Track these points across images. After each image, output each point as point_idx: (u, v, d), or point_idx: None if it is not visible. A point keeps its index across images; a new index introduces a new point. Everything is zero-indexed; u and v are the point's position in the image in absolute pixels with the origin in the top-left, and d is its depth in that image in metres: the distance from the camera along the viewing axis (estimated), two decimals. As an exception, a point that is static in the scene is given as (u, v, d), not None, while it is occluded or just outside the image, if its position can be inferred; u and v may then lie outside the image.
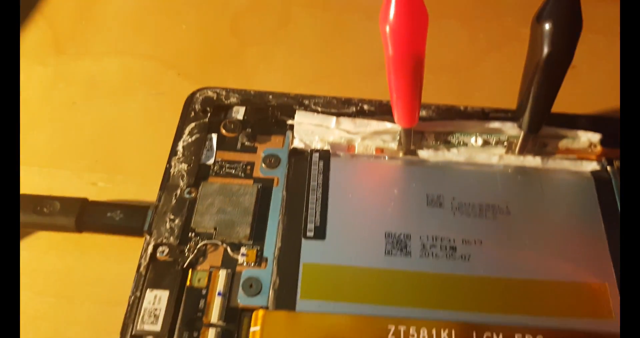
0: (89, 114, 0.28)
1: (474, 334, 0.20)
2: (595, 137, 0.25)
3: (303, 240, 0.22)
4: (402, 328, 0.20)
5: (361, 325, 0.20)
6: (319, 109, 0.26)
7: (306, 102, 0.26)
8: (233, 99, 0.26)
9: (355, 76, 0.30)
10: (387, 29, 0.20)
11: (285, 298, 0.21)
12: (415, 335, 0.20)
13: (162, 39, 0.31)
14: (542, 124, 0.23)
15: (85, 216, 0.23)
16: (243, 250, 0.22)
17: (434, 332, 0.20)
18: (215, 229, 0.22)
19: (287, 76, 0.29)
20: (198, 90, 0.26)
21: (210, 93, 0.26)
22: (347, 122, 0.25)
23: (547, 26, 0.21)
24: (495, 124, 0.25)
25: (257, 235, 0.23)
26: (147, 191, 0.25)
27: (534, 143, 0.25)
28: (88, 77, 0.30)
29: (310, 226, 0.22)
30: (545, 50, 0.21)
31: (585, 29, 0.30)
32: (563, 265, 0.22)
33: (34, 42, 0.31)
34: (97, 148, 0.27)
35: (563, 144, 0.25)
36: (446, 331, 0.20)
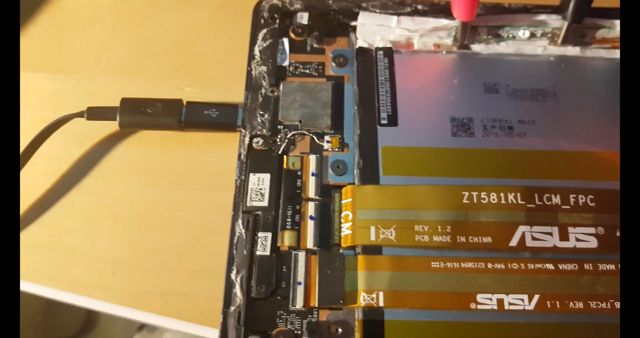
0: (163, 26, 0.30)
1: (536, 196, 0.23)
2: (618, 33, 0.27)
3: (378, 127, 0.25)
4: (474, 194, 0.23)
5: (439, 193, 0.23)
6: (377, 11, 0.28)
7: (364, 4, 0.28)
8: (297, 6, 0.28)
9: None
10: None
11: (369, 175, 0.24)
12: (487, 199, 0.23)
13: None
14: (585, 14, 0.25)
15: (186, 114, 0.25)
16: (327, 138, 0.25)
17: (502, 195, 0.23)
18: (300, 121, 0.25)
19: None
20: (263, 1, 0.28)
21: (275, 1, 0.28)
22: (407, 21, 0.27)
23: None
24: (542, 17, 0.27)
25: (337, 125, 0.25)
26: (231, 93, 0.27)
27: (575, 33, 0.27)
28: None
29: (384, 115, 0.25)
30: None
31: None
32: (607, 137, 0.25)
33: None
34: (177, 56, 0.29)
35: (600, 34, 0.27)
36: (512, 194, 0.23)
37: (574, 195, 0.23)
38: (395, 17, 0.27)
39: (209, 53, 0.29)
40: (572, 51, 0.27)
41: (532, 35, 0.27)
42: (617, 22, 0.27)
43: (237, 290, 0.21)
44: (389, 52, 0.26)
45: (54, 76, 0.28)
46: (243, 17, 0.28)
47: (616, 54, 0.27)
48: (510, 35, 0.27)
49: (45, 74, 0.29)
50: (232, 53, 0.28)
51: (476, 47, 0.27)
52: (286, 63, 0.27)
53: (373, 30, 0.27)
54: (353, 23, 0.27)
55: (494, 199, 0.23)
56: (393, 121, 0.25)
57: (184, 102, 0.25)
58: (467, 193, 0.23)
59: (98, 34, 0.30)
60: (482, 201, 0.23)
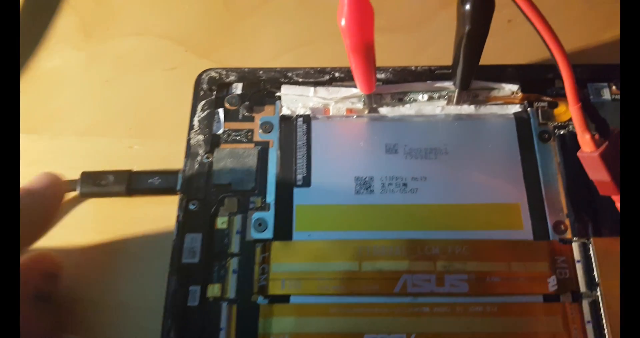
0: (119, 90, 0.34)
1: (418, 247, 0.27)
2: (515, 87, 0.30)
3: (294, 188, 0.29)
4: (367, 247, 0.27)
5: (338, 247, 0.27)
6: (300, 79, 0.31)
7: (289, 74, 0.31)
8: (232, 77, 0.32)
9: (331, 40, 0.34)
10: (342, 24, 0.25)
11: (284, 232, 0.28)
12: (377, 251, 0.27)
13: (170, 18, 0.35)
14: (470, 82, 0.28)
15: (132, 184, 0.29)
16: (252, 199, 0.29)
17: (390, 248, 0.27)
18: (230, 184, 0.29)
19: (274, 44, 0.34)
20: (204, 71, 0.32)
21: (213, 74, 0.32)
22: (322, 91, 0.31)
23: (467, 8, 0.25)
24: (437, 84, 0.30)
25: (261, 187, 0.29)
26: (174, 151, 0.31)
27: (468, 95, 0.30)
28: (115, 58, 0.35)
29: (299, 177, 0.29)
30: (467, 28, 0.25)
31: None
32: (487, 191, 0.28)
33: (66, 29, 0.36)
34: (129, 118, 0.33)
35: (491, 94, 0.30)
36: (399, 247, 0.27)
37: (451, 246, 0.27)
38: (312, 88, 0.31)
39: (158, 114, 0.33)
40: (468, 109, 0.30)
41: (430, 98, 0.30)
42: (504, 84, 0.30)
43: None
44: (307, 119, 0.30)
45: (28, 135, 0.33)
46: (187, 81, 0.32)
47: (508, 109, 0.30)
48: (412, 98, 0.30)
49: (22, 133, 0.33)
50: (176, 113, 0.32)
51: (383, 110, 0.30)
52: (221, 131, 0.31)
53: (295, 98, 0.31)
54: (278, 93, 0.31)
55: (383, 252, 0.27)
56: (307, 182, 0.29)
57: (131, 172, 0.30)
58: (361, 247, 0.27)
59: (67, 96, 0.34)
60: (373, 253, 0.27)
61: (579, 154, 0.25)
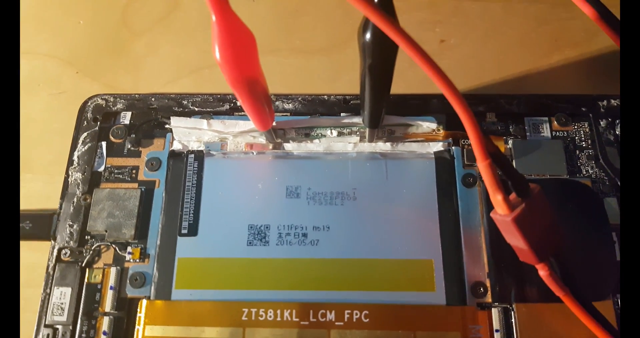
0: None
1: (311, 312, 0.23)
2: (433, 125, 0.25)
3: (178, 237, 0.24)
4: (253, 310, 0.23)
5: (220, 309, 0.23)
6: (196, 108, 0.27)
7: (185, 102, 0.27)
8: (120, 105, 0.27)
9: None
10: (217, 58, 0.20)
11: (163, 289, 0.24)
12: (264, 316, 0.23)
13: (61, 36, 0.31)
14: (380, 121, 0.24)
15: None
16: (129, 248, 0.25)
17: (278, 312, 0.23)
18: (106, 231, 0.25)
19: (173, 66, 0.30)
20: (89, 98, 0.27)
21: (100, 101, 0.27)
22: (217, 124, 0.26)
23: (367, 39, 0.20)
24: (346, 120, 0.26)
25: (141, 234, 0.25)
26: (52, 188, 0.27)
27: (382, 131, 0.26)
28: None
29: (185, 224, 0.25)
30: (368, 61, 0.21)
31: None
32: (397, 244, 0.24)
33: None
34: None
35: (409, 130, 0.26)
36: (288, 311, 0.23)
37: (349, 311, 0.23)
38: (205, 121, 0.26)
39: (39, 144, 0.28)
40: (384, 146, 0.26)
41: (340, 133, 0.26)
42: (420, 122, 0.25)
43: None
44: (199, 156, 0.26)
45: None
46: (76, 107, 0.27)
47: (430, 147, 0.26)
48: (320, 134, 0.26)
49: None
50: (59, 144, 0.27)
51: (289, 146, 0.26)
52: (102, 168, 0.26)
53: (188, 131, 0.26)
54: (168, 125, 0.27)
55: (270, 317, 0.23)
56: (193, 230, 0.25)
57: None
58: (246, 310, 0.23)
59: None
60: (260, 318, 0.23)
61: (492, 215, 0.21)
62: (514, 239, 0.21)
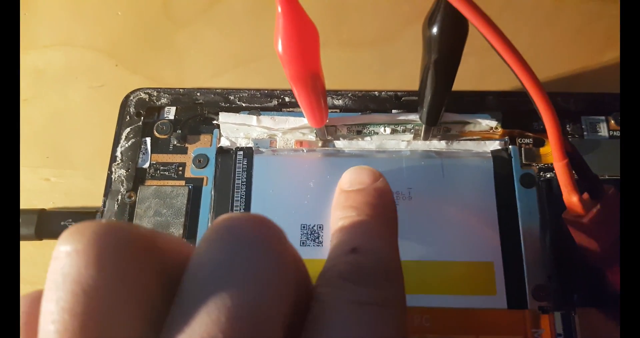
0: (39, 109, 0.28)
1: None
2: (493, 122, 0.24)
3: (229, 237, 0.23)
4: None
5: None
6: (243, 104, 0.26)
7: (231, 97, 0.26)
8: (164, 100, 0.26)
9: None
10: (279, 50, 0.19)
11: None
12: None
13: (99, 27, 0.29)
14: (440, 118, 0.23)
15: (43, 225, 0.24)
16: (178, 248, 0.23)
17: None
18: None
19: (218, 59, 0.28)
20: (132, 92, 0.26)
21: (142, 95, 0.26)
22: (267, 120, 0.25)
23: (434, 32, 0.19)
24: (401, 117, 0.24)
25: (190, 234, 0.24)
26: (94, 185, 0.25)
27: (438, 129, 0.24)
28: (35, 71, 0.29)
29: (235, 223, 0.23)
30: (433, 56, 0.20)
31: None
32: (456, 246, 0.23)
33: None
34: (48, 143, 0.27)
35: (466, 128, 0.24)
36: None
37: (409, 315, 0.21)
38: (254, 117, 0.25)
39: (79, 139, 0.27)
40: (438, 145, 0.25)
41: (394, 131, 0.25)
42: (481, 120, 0.24)
43: None
44: (248, 153, 0.24)
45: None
46: (116, 100, 0.26)
47: (486, 146, 0.24)
48: (373, 131, 0.25)
49: None
50: (101, 139, 0.26)
51: (340, 144, 0.25)
52: (147, 165, 0.25)
53: (236, 128, 0.25)
54: (216, 121, 0.25)
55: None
56: (244, 229, 0.23)
57: (40, 212, 0.24)
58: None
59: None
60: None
61: (564, 216, 0.19)
62: (587, 241, 0.19)
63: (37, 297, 0.12)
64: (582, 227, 0.19)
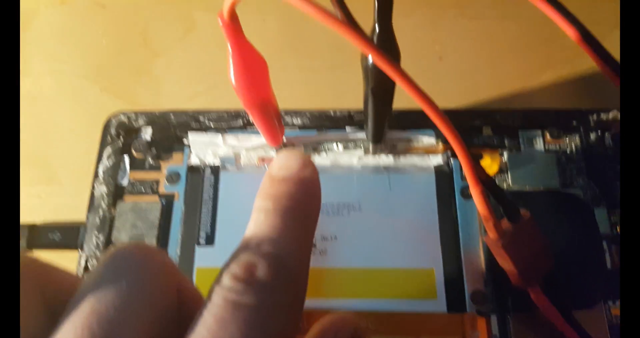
0: (31, 131, 0.29)
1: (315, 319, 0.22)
2: (433, 140, 0.24)
3: (196, 247, 0.24)
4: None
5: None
6: (212, 124, 0.26)
7: (201, 118, 0.26)
8: (141, 121, 0.26)
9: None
10: (232, 83, 0.19)
11: (183, 296, 0.23)
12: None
13: (87, 55, 0.30)
14: (383, 137, 0.23)
15: (33, 238, 0.25)
16: (151, 257, 0.24)
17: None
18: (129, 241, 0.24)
19: (191, 83, 0.29)
20: (113, 116, 0.27)
21: (122, 118, 0.26)
22: (232, 139, 0.25)
23: (369, 63, 0.19)
24: (351, 135, 0.24)
25: (162, 245, 0.24)
26: (79, 200, 0.26)
27: (385, 145, 0.24)
28: (29, 96, 0.30)
29: (202, 234, 0.24)
30: (370, 84, 0.20)
31: (457, 15, 0.28)
32: (400, 253, 0.23)
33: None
34: (39, 163, 0.28)
35: (410, 144, 0.25)
36: (299, 318, 0.22)
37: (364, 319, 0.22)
38: (220, 135, 0.25)
39: (67, 158, 0.28)
40: (386, 160, 0.25)
41: (346, 147, 0.25)
42: (421, 137, 0.24)
43: None
44: (215, 170, 0.25)
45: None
46: (101, 122, 0.27)
47: (430, 160, 0.25)
48: (327, 148, 0.25)
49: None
50: (86, 158, 0.27)
51: (298, 160, 0.25)
52: (125, 182, 0.26)
53: (204, 146, 0.25)
54: (186, 140, 0.26)
55: (282, 324, 0.22)
56: (210, 240, 0.24)
57: (30, 226, 0.25)
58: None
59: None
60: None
61: (485, 239, 0.20)
62: (507, 264, 0.20)
63: None
64: (500, 250, 0.19)
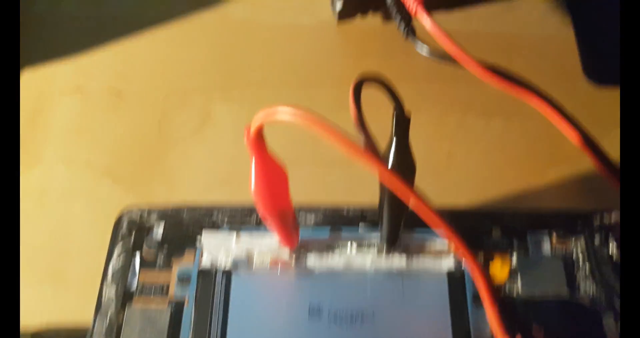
0: (39, 225, 0.28)
1: None
2: (444, 243, 0.24)
3: (207, 356, 0.23)
4: None
5: None
6: (226, 220, 0.26)
7: (215, 213, 0.26)
8: (153, 218, 0.26)
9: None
10: (252, 193, 0.19)
11: None
12: None
13: (100, 144, 0.30)
14: (397, 239, 0.23)
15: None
16: (161, 369, 0.23)
17: None
18: (137, 351, 0.23)
19: (206, 176, 0.29)
20: (124, 213, 0.26)
21: (134, 215, 0.26)
22: (245, 237, 0.25)
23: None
24: (366, 236, 0.24)
25: (171, 353, 0.23)
26: (87, 302, 0.25)
27: (398, 245, 0.24)
28: (39, 189, 0.29)
29: (213, 342, 0.23)
30: (386, 193, 0.20)
31: (464, 111, 0.28)
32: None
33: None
34: (47, 259, 0.27)
35: (422, 245, 0.24)
36: None
37: None
38: (234, 234, 0.25)
39: (77, 255, 0.27)
40: (399, 262, 0.24)
41: (359, 246, 0.25)
42: (435, 238, 0.24)
43: None
44: (228, 275, 0.24)
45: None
46: (112, 216, 0.26)
47: (442, 264, 0.24)
48: (341, 246, 0.25)
49: None
50: (97, 254, 0.26)
51: (310, 261, 0.25)
52: (135, 283, 0.25)
53: (217, 245, 0.25)
54: (199, 237, 0.25)
55: None
56: (221, 348, 0.23)
57: (38, 334, 0.24)
58: None
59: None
60: None
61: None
62: None
63: None
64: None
